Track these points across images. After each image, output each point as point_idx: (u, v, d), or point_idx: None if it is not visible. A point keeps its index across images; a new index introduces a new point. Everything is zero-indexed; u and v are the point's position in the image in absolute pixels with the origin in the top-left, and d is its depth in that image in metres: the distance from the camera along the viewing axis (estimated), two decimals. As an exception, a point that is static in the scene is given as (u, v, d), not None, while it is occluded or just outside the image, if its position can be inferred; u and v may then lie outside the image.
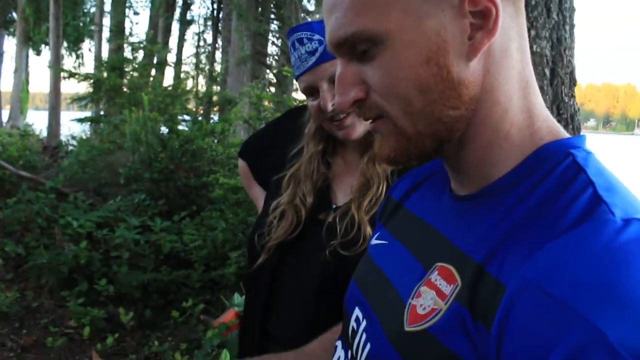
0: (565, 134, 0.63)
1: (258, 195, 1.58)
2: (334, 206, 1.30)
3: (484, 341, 0.53)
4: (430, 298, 0.61)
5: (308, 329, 1.21)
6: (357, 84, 0.64)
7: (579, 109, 2.49)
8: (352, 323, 0.76)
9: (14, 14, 20.59)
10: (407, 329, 0.62)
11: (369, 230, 1.20)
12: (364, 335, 0.71)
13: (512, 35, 0.62)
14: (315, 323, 1.19)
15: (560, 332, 0.46)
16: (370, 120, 0.66)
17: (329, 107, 1.21)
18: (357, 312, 0.76)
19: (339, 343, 0.82)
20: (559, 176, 0.58)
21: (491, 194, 0.63)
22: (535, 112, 0.64)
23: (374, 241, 0.85)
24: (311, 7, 11.43)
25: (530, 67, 0.64)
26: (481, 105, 0.62)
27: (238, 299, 2.10)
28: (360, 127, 1.25)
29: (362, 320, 0.73)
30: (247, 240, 1.44)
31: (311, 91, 1.26)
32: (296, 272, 1.29)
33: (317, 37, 1.22)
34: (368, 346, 0.69)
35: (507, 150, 0.63)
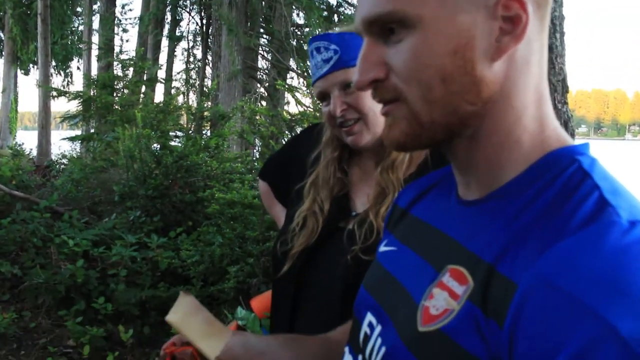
0: (572, 142, 0.66)
1: (280, 214, 1.62)
2: (353, 213, 1.35)
3: (497, 339, 0.55)
4: (443, 299, 0.63)
5: None
6: (379, 65, 0.65)
7: (572, 115, 2.52)
8: (365, 328, 0.78)
9: (1, 34, 20.56)
10: (420, 329, 0.63)
11: None
12: (379, 340, 0.72)
13: (535, 47, 0.64)
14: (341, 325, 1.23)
15: (571, 326, 0.48)
16: (384, 103, 0.68)
17: (338, 112, 1.28)
18: (369, 317, 0.78)
19: (346, 349, 0.83)
20: (566, 180, 0.60)
21: (499, 197, 0.65)
22: (546, 121, 0.66)
23: (382, 248, 0.87)
24: (300, 20, 11.51)
25: (546, 82, 0.67)
26: (497, 107, 0.64)
27: (241, 312, 2.10)
28: (367, 135, 1.31)
29: (377, 325, 0.75)
30: (271, 249, 1.48)
31: (324, 96, 1.33)
32: (320, 277, 1.32)
33: (333, 46, 1.29)
34: (383, 349, 0.70)
35: (516, 154, 0.65)
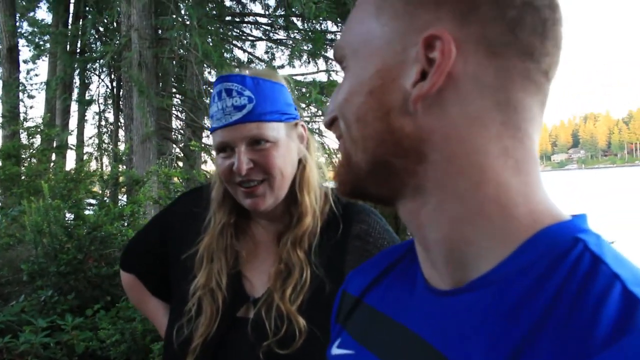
0: (566, 216, 0.55)
1: (156, 310, 1.39)
2: (252, 298, 1.17)
3: None
4: None
5: None
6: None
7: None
8: None
9: None
10: None
11: (301, 321, 1.09)
12: None
13: (487, 105, 0.53)
14: None
15: None
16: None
17: (244, 171, 1.13)
18: None
19: None
20: (572, 266, 0.49)
21: (483, 287, 0.53)
22: (529, 191, 0.54)
23: (335, 350, 0.72)
24: (212, 78, 11.45)
25: (530, 144, 0.55)
26: (438, 167, 0.54)
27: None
28: (270, 199, 1.16)
29: None
30: (165, 338, 1.25)
31: (225, 148, 1.17)
32: None
33: (247, 93, 1.14)
34: None
35: (487, 230, 0.53)
